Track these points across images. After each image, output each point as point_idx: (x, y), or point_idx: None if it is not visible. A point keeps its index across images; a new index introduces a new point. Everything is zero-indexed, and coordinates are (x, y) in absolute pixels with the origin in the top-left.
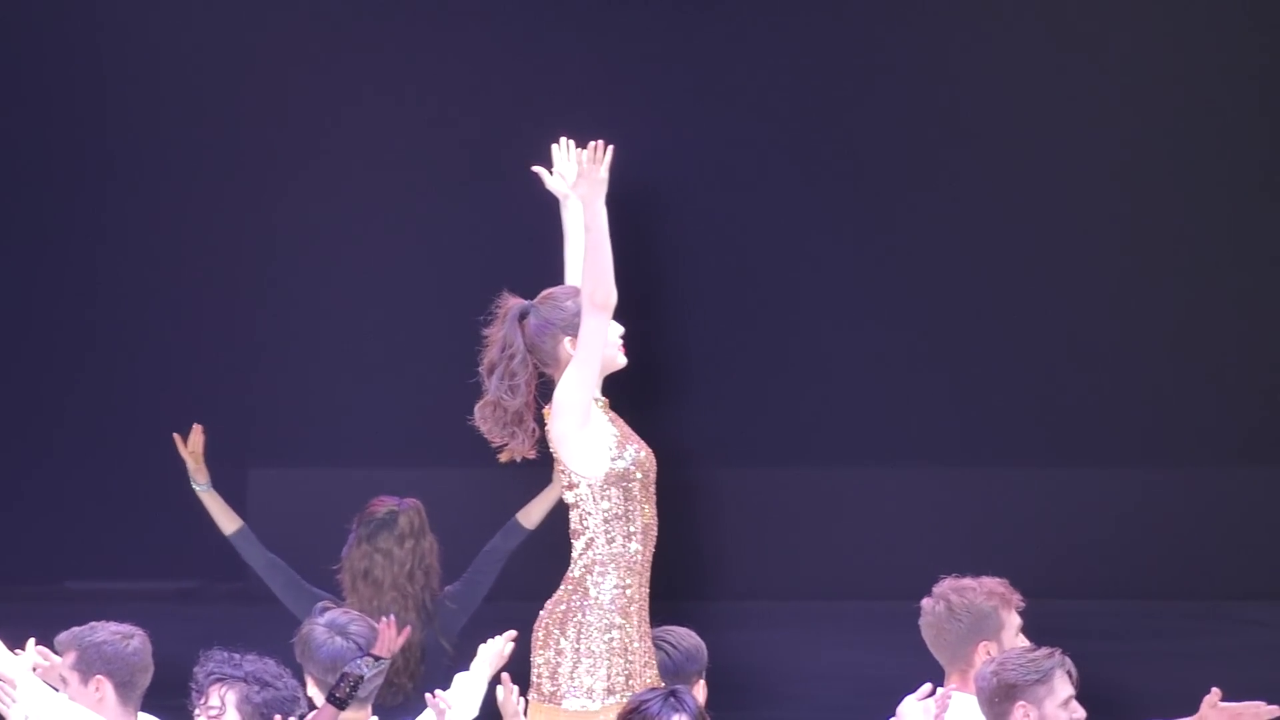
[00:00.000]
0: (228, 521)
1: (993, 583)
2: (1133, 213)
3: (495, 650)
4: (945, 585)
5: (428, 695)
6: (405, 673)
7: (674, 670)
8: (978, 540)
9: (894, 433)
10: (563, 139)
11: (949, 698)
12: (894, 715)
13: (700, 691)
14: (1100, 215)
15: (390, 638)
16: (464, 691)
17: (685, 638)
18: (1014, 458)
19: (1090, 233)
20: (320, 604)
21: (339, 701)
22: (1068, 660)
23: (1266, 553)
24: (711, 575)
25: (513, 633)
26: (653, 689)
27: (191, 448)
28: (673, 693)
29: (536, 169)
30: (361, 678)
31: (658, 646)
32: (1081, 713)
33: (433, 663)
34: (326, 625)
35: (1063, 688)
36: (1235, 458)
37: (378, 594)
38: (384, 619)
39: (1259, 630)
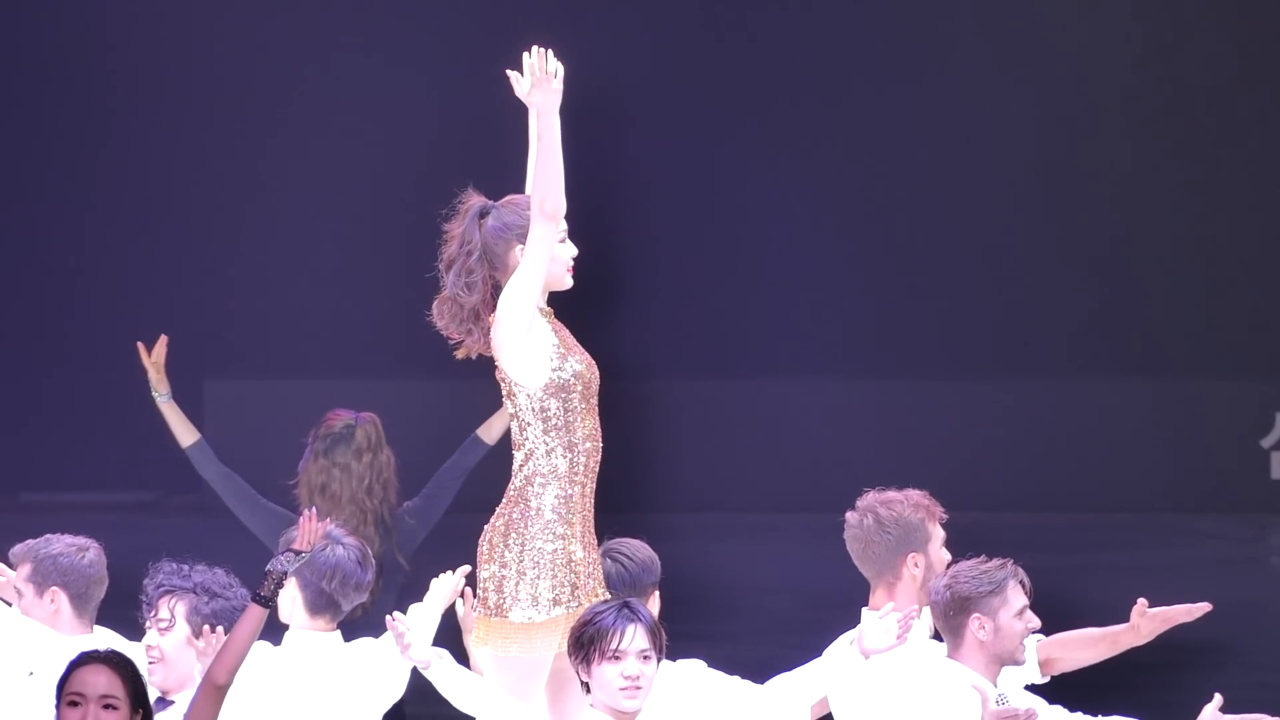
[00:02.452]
0: (186, 434)
1: (917, 495)
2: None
3: (449, 584)
4: (870, 498)
5: (387, 618)
6: (369, 585)
7: (630, 582)
8: (923, 453)
9: (839, 345)
10: (535, 47)
11: (912, 619)
12: (849, 629)
13: (654, 603)
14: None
15: (311, 530)
16: (418, 623)
17: (639, 549)
18: (959, 371)
19: (1041, 153)
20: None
21: (264, 600)
22: (1020, 571)
23: (1221, 466)
24: (658, 487)
25: (465, 567)
26: (606, 601)
27: (155, 358)
28: (626, 604)
29: (510, 73)
30: (284, 574)
31: (613, 559)
32: (1036, 622)
33: (389, 579)
34: (326, 535)
35: (1016, 598)
36: (1186, 370)
37: (335, 508)
38: (307, 511)
39: (1214, 543)
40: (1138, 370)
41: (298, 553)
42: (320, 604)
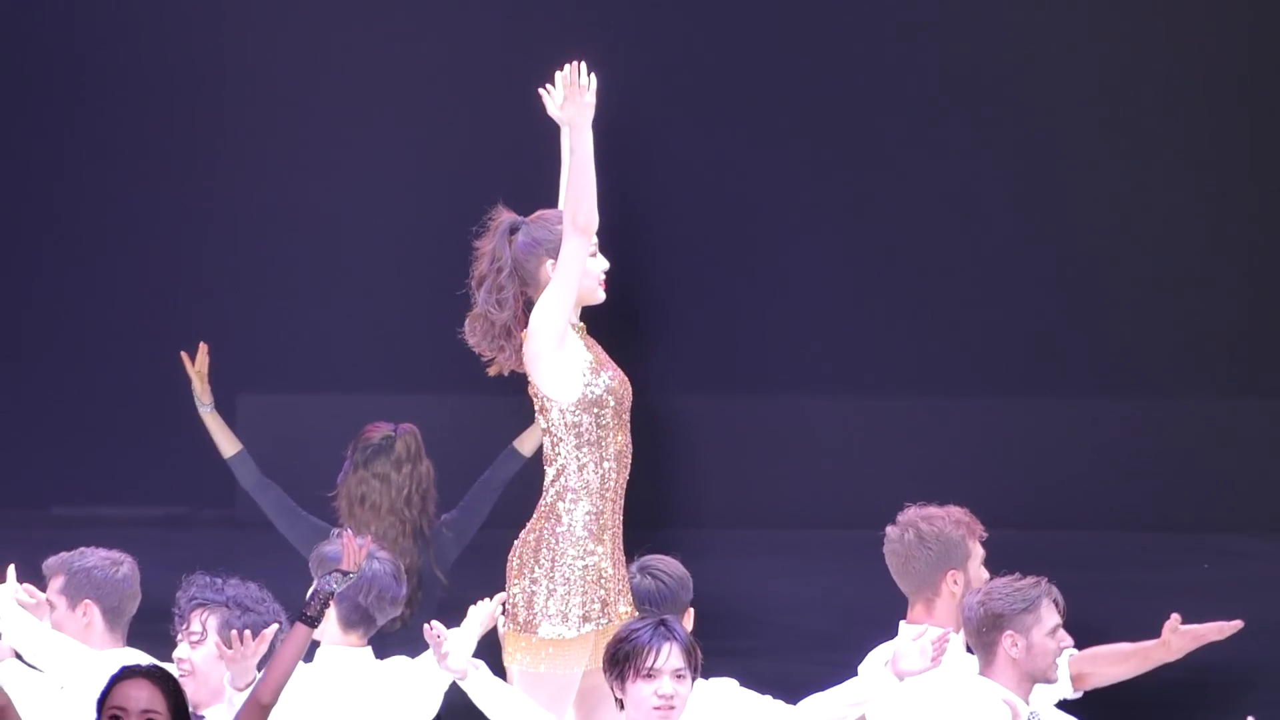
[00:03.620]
0: (228, 444)
1: (958, 511)
2: (1118, 148)
3: (486, 611)
4: (912, 513)
5: (425, 627)
6: (404, 600)
7: (670, 599)
8: (957, 470)
9: (872, 361)
10: (568, 65)
11: (946, 641)
12: (882, 644)
13: (689, 620)
14: (1085, 149)
15: (355, 550)
16: (455, 647)
17: (674, 567)
18: (994, 387)
19: (1072, 165)
20: (335, 531)
21: (310, 620)
22: (1054, 589)
23: (1250, 484)
24: (690, 503)
25: (502, 595)
26: (642, 618)
27: (198, 367)
28: (663, 622)
29: (542, 91)
30: (332, 594)
31: (651, 575)
32: (1069, 641)
33: (427, 592)
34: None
35: (1050, 616)
36: (1218, 389)
37: (375, 519)
38: (345, 532)
39: (1242, 562)
40: (1169, 389)
41: (345, 573)
42: (355, 619)
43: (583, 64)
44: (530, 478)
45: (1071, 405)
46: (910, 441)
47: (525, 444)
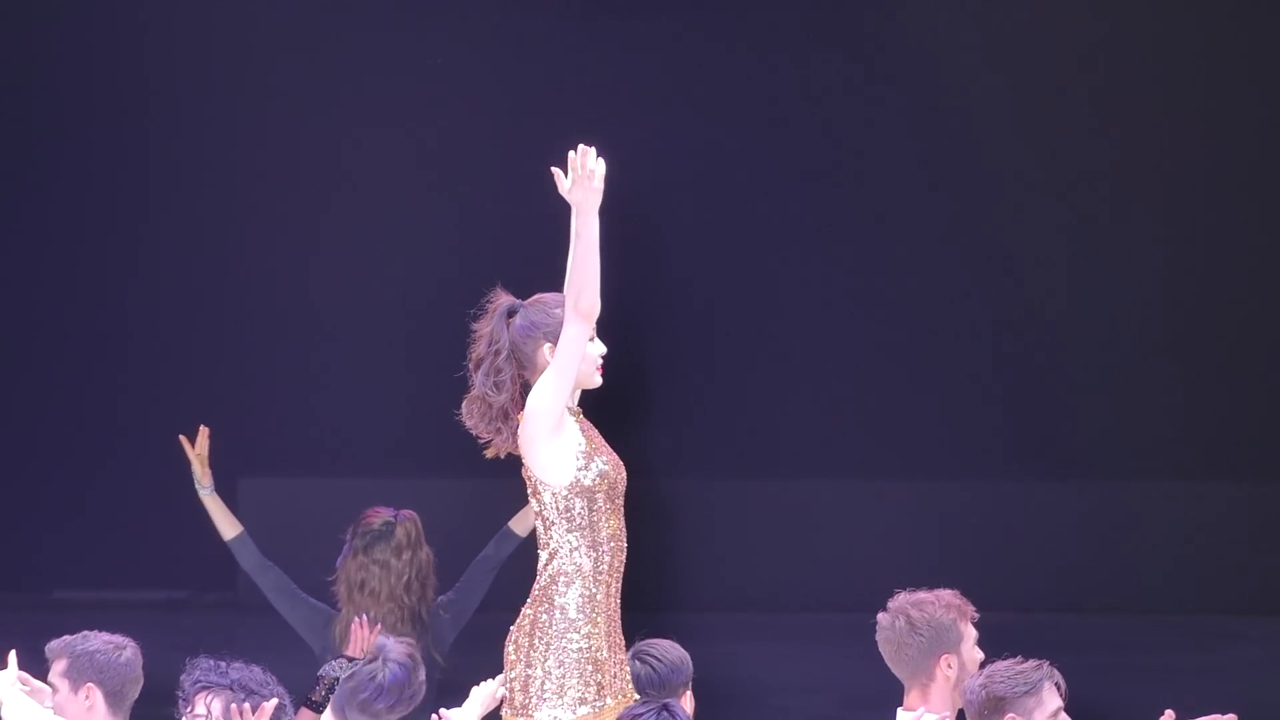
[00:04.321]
0: (228, 526)
1: (948, 595)
2: (1119, 226)
3: (487, 692)
4: (902, 600)
5: (434, 717)
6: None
7: (660, 683)
8: (957, 553)
9: (870, 446)
10: (580, 146)
11: None
12: None
13: (688, 703)
14: (1085, 229)
15: (362, 638)
16: None
17: (669, 650)
18: (992, 471)
19: (1072, 249)
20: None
21: (315, 705)
22: (1056, 672)
23: (1251, 567)
24: (689, 588)
25: (504, 676)
26: (644, 701)
27: (198, 450)
28: (665, 706)
29: (555, 171)
30: (336, 680)
31: (643, 660)
32: None
33: (428, 676)
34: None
35: (1051, 700)
36: (1220, 473)
37: (374, 605)
38: (356, 619)
39: (1243, 645)
40: (1168, 473)
41: (350, 659)
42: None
43: (592, 149)
44: (526, 559)
45: (1071, 489)
46: (908, 525)
47: (520, 524)
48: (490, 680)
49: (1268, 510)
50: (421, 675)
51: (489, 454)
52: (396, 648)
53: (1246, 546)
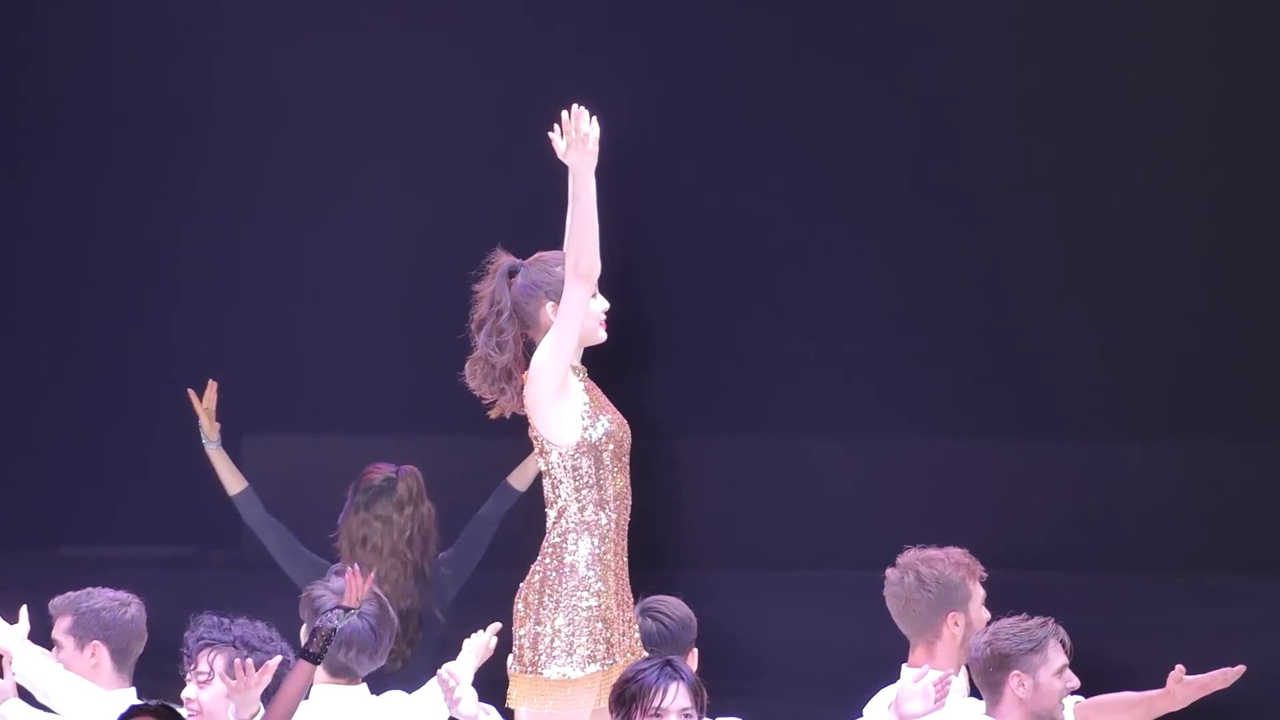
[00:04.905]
0: (234, 481)
1: (958, 553)
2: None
3: (480, 643)
4: (911, 556)
5: (440, 672)
6: (404, 639)
7: (670, 640)
8: (961, 511)
9: (877, 404)
10: (573, 106)
11: (948, 683)
12: (887, 686)
13: (693, 661)
14: (1092, 190)
15: (357, 586)
16: (466, 693)
17: (677, 607)
18: (998, 429)
19: (1077, 209)
20: (334, 568)
21: (313, 656)
22: (1061, 630)
23: (1259, 528)
24: (694, 545)
25: (496, 625)
26: (648, 658)
27: (206, 404)
28: (668, 662)
29: (552, 134)
30: (334, 630)
31: (651, 617)
32: (1075, 681)
33: (427, 632)
34: (337, 592)
35: (1056, 657)
36: (1222, 431)
37: (377, 560)
38: (350, 568)
39: (1250, 606)
40: (1173, 431)
41: (346, 609)
42: (336, 669)
43: (584, 110)
44: (529, 516)
45: (1075, 447)
46: (914, 482)
47: (518, 479)
48: (481, 631)
49: (1275, 470)
50: (390, 631)
51: (493, 414)
52: (370, 603)
53: (1254, 505)
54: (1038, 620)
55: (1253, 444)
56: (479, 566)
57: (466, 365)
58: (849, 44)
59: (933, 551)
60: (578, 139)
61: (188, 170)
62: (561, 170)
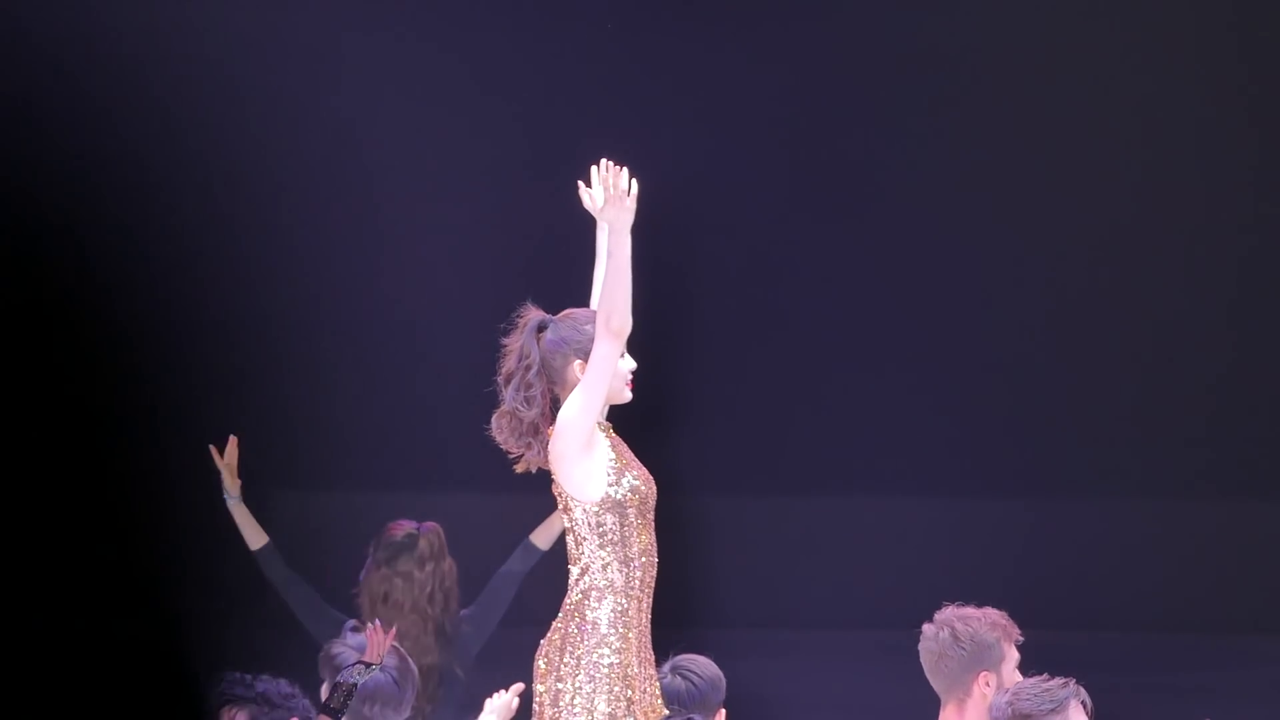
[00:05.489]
0: (255, 536)
1: (995, 614)
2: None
3: (502, 702)
4: (949, 612)
5: None
6: (425, 696)
7: (699, 699)
8: (990, 571)
9: (903, 462)
10: (602, 160)
11: None
12: None
13: None
14: (1108, 236)
15: (378, 643)
16: None
17: (707, 667)
18: (1025, 489)
19: (1094, 257)
20: (350, 623)
21: (334, 712)
22: (1082, 691)
23: (1277, 587)
24: (722, 603)
25: (519, 685)
26: (669, 718)
27: (227, 459)
28: None
29: (580, 185)
30: (354, 686)
31: (681, 675)
32: None
33: (448, 689)
34: (356, 648)
35: (1077, 717)
36: (1243, 490)
37: (398, 616)
38: (370, 625)
39: (1272, 665)
40: (1196, 491)
41: (368, 664)
42: None
43: (624, 169)
44: (555, 575)
45: (1099, 506)
46: (942, 543)
47: (541, 537)
48: (503, 691)
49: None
50: (412, 684)
51: (519, 468)
52: (390, 656)
53: (1273, 566)
54: (1059, 681)
55: (1273, 502)
56: (501, 623)
57: (493, 419)
58: (878, 107)
59: (970, 610)
60: (616, 195)
61: (208, 226)
62: (587, 221)
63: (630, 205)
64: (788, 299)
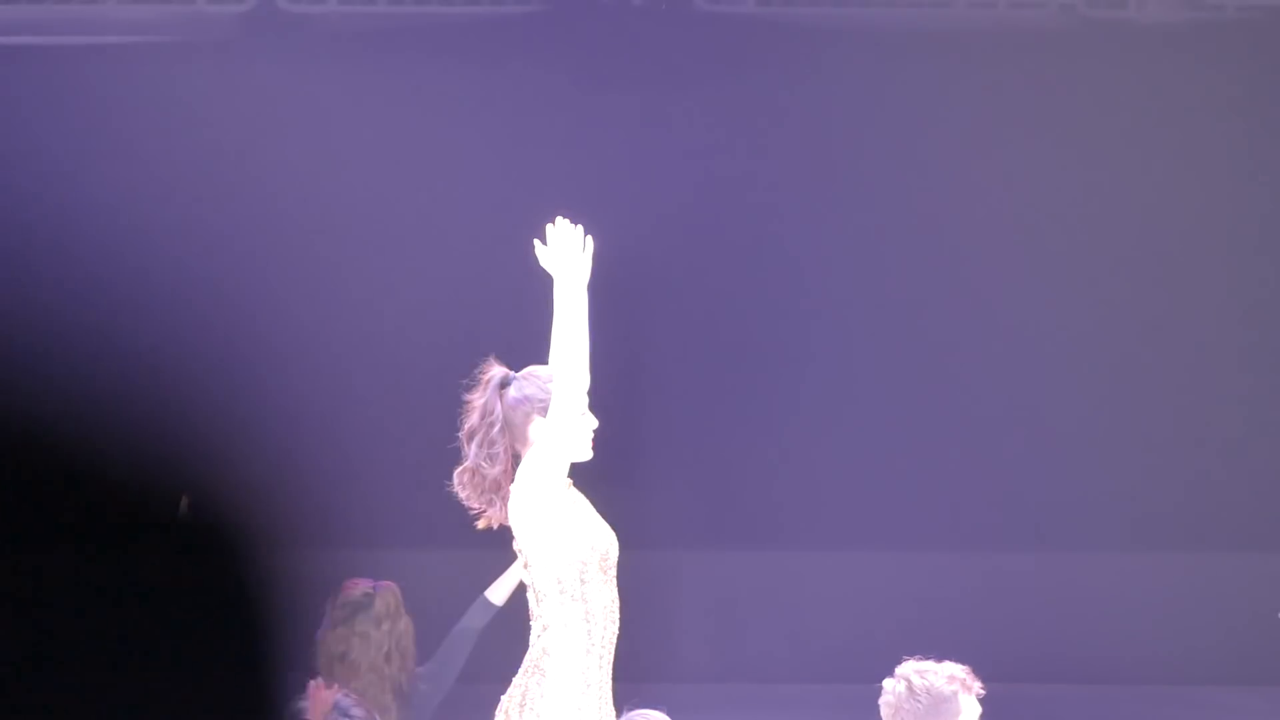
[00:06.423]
0: None
1: (955, 667)
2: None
3: None
4: (908, 666)
5: None
6: None
7: None
8: (951, 625)
9: (863, 517)
10: (558, 217)
11: None
12: None
13: None
14: (1084, 298)
15: (320, 699)
16: None
17: None
18: (987, 543)
19: (1083, 316)
20: (313, 683)
21: None
22: None
23: (1240, 638)
24: (679, 657)
25: None
26: None
27: (181, 517)
28: None
29: (536, 242)
30: None
31: None
32: None
33: None
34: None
35: None
36: (1205, 543)
37: (354, 676)
38: (313, 680)
39: (1233, 716)
40: (1157, 543)
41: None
42: None
43: (580, 227)
44: (512, 629)
45: (1065, 559)
46: (901, 597)
47: (497, 592)
48: None
49: (1256, 581)
50: None
51: (481, 524)
52: (355, 709)
53: (1234, 616)
54: None
55: (1234, 554)
56: (461, 679)
57: (455, 475)
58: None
59: (929, 664)
60: (572, 252)
61: (180, 283)
62: (548, 277)
63: (586, 262)
64: (747, 357)
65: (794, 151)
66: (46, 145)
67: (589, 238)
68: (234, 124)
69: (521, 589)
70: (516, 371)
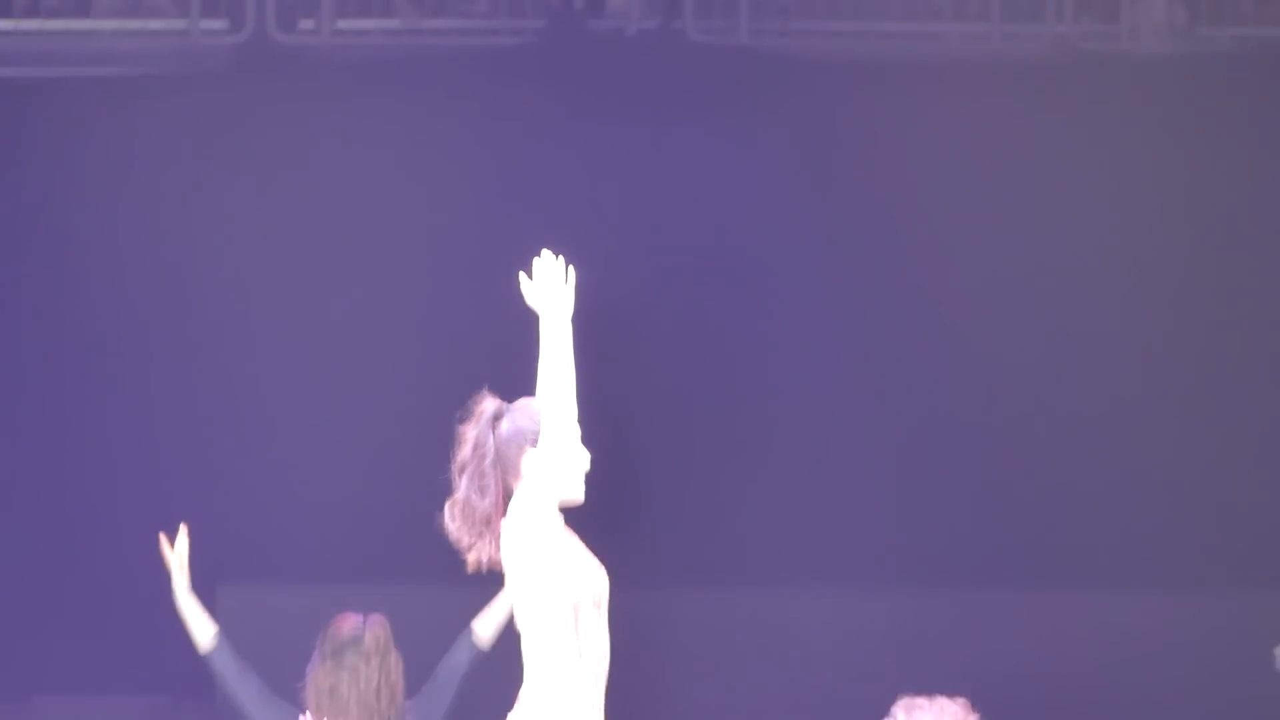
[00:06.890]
0: (204, 627)
1: (949, 703)
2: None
3: None
4: (903, 701)
5: None
6: None
7: None
8: (947, 666)
9: (858, 555)
10: (543, 250)
11: None
12: None
13: None
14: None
15: None
16: None
17: None
18: (986, 582)
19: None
20: (302, 718)
21: None
22: None
23: (1233, 682)
24: (673, 699)
25: None
26: None
27: (177, 550)
28: None
29: (521, 276)
30: None
31: None
32: None
33: None
34: None
35: None
36: (1190, 582)
37: (343, 712)
38: (302, 716)
39: None
40: (1143, 583)
41: None
42: None
43: (561, 257)
44: (506, 666)
45: (1065, 600)
46: (897, 637)
47: (484, 625)
48: None
49: (1247, 624)
50: None
51: (470, 560)
52: None
53: (1234, 660)
54: None
55: (1243, 596)
56: (452, 716)
57: (446, 508)
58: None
59: (921, 700)
60: (554, 284)
61: (155, 317)
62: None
63: (569, 294)
64: (738, 392)
65: (786, 182)
66: (36, 177)
67: (570, 268)
68: (227, 154)
69: (512, 626)
70: (510, 403)
